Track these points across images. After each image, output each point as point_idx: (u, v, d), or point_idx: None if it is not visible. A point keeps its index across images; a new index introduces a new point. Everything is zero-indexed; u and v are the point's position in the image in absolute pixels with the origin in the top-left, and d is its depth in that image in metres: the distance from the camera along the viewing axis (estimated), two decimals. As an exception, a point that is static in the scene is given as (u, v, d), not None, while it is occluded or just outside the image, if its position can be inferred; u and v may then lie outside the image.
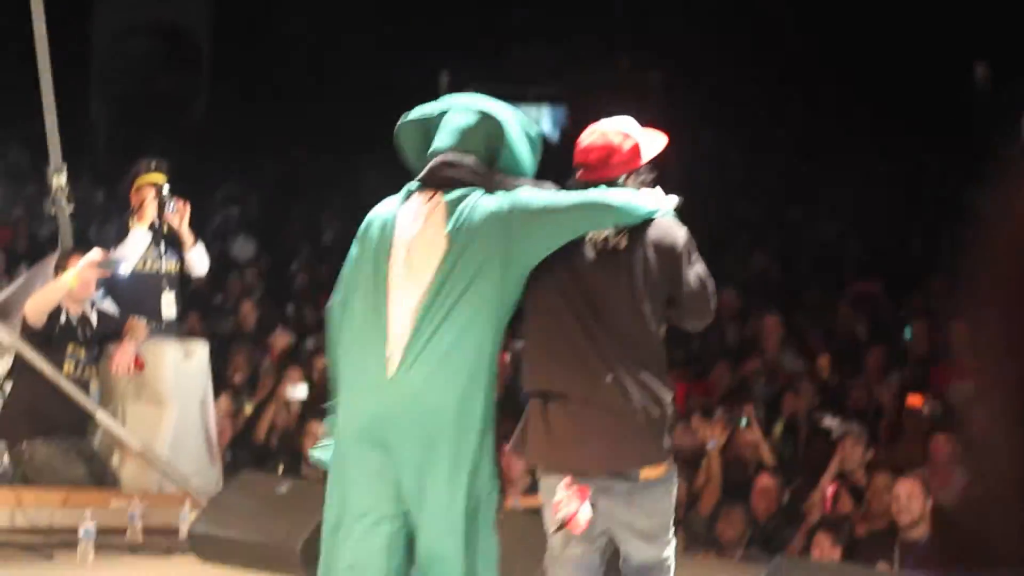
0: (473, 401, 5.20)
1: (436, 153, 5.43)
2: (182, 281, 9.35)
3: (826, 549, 8.20)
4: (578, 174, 5.43)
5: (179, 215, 9.10)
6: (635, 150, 5.40)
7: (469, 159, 5.37)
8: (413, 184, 5.43)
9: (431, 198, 5.36)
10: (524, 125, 5.52)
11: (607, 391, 5.19)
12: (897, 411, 10.23)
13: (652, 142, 5.46)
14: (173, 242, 9.17)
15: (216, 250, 9.35)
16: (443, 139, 5.45)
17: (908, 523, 8.12)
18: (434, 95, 5.75)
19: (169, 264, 9.14)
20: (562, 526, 5.22)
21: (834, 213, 16.52)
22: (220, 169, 19.20)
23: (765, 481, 9.20)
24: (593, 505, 5.22)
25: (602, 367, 5.19)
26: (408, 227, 5.32)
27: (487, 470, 5.25)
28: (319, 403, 10.80)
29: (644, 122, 5.52)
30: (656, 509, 5.33)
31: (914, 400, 10.05)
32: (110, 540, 7.86)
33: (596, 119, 5.52)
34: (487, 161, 5.41)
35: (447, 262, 5.22)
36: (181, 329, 9.55)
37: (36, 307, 8.61)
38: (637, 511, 5.31)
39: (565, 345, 5.26)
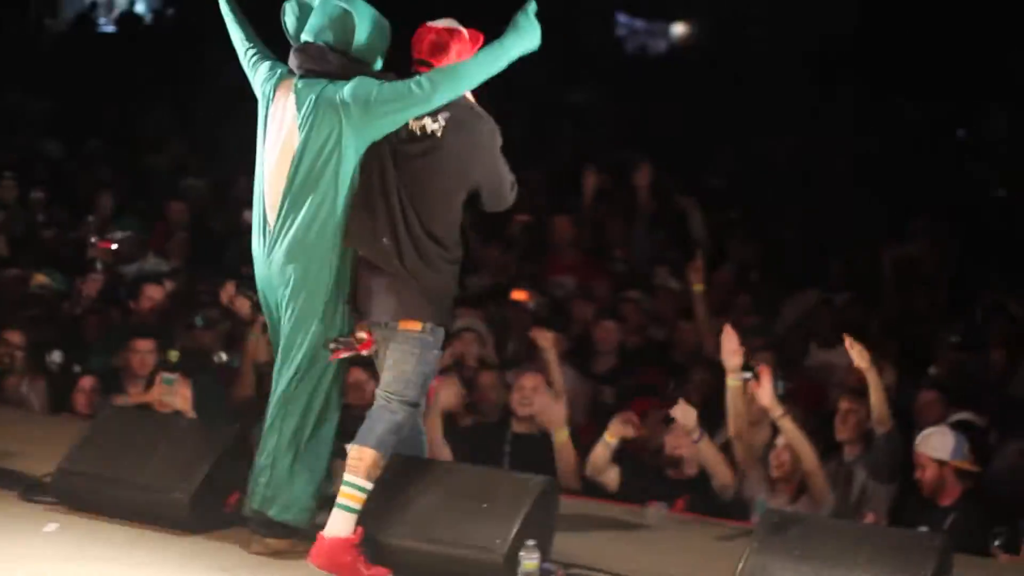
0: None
1: (299, 40, 6.13)
2: None
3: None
4: (416, 66, 6.14)
5: None
6: (465, 41, 6.13)
7: (322, 49, 6.04)
8: (283, 68, 6.18)
9: (289, 85, 6.09)
10: (376, 17, 6.12)
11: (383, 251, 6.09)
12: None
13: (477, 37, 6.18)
14: None
15: None
16: (307, 28, 6.09)
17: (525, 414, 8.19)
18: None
19: None
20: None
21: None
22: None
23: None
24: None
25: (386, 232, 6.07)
26: (274, 116, 6.11)
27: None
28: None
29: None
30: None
31: (519, 295, 10.19)
32: None
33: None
34: (341, 50, 6.05)
35: (297, 155, 5.99)
36: None
37: None
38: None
39: (367, 211, 6.10)
